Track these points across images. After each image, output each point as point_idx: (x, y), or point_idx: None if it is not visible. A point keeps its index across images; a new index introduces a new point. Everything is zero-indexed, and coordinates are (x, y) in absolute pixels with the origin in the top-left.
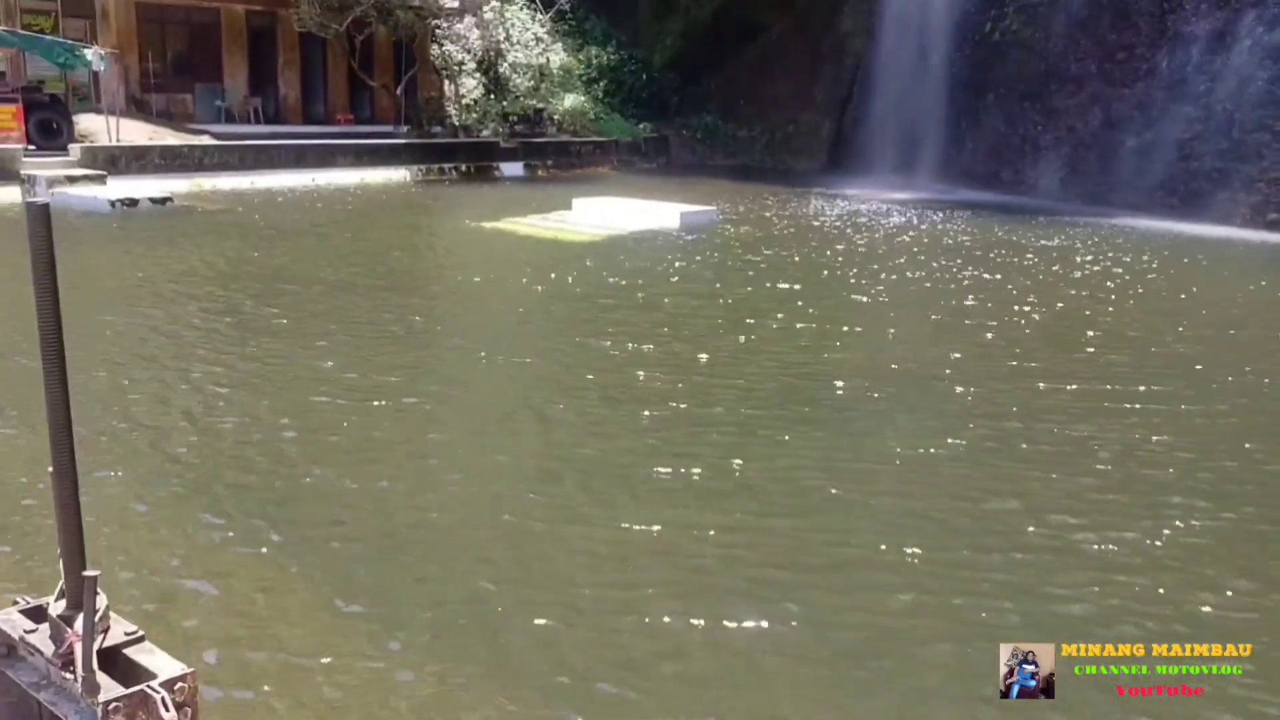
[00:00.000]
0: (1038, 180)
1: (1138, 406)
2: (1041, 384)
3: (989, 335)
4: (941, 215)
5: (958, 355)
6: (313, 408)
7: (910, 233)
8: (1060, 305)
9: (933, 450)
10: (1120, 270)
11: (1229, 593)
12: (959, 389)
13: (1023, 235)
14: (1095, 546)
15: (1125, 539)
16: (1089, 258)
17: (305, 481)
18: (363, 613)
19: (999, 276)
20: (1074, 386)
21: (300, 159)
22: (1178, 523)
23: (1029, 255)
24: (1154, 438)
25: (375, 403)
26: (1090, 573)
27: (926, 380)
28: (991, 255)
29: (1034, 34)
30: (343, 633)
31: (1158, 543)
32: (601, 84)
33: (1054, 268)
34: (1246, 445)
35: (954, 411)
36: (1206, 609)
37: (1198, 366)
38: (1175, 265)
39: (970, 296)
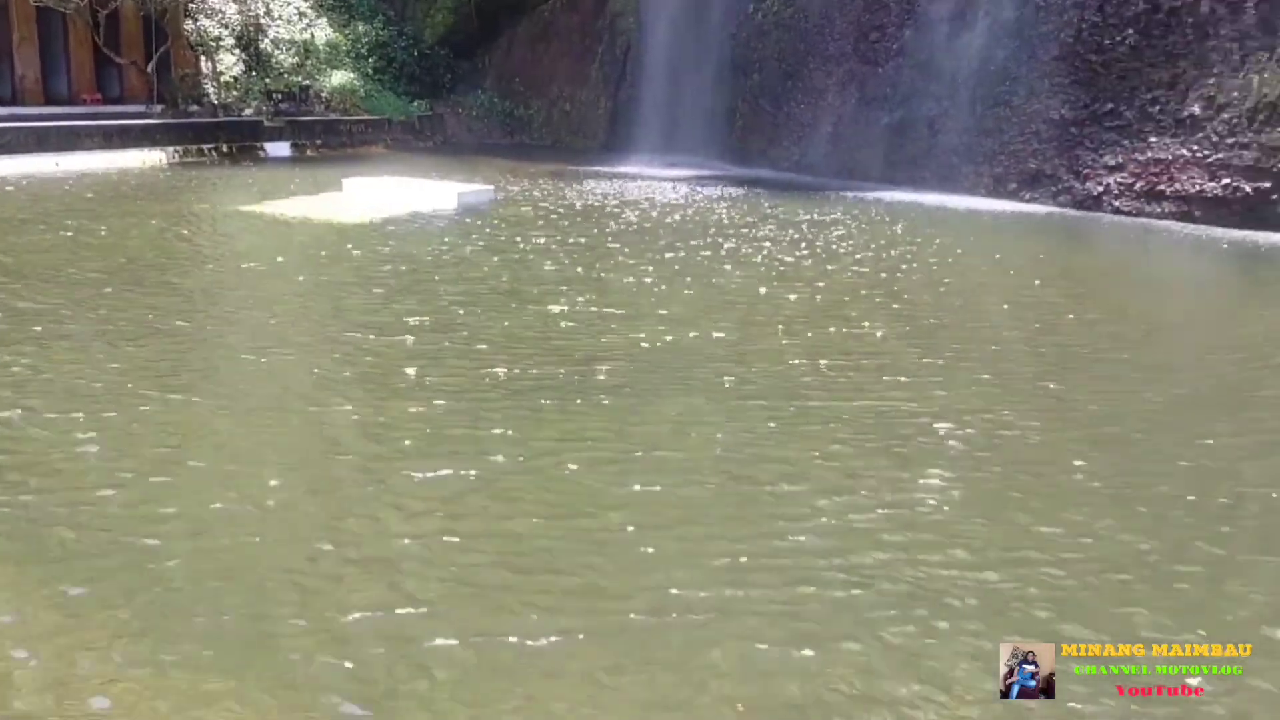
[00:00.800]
0: (803, 156)
1: (901, 379)
2: (806, 359)
3: (755, 311)
4: (714, 192)
5: (721, 334)
6: (23, 418)
7: (683, 210)
8: (825, 280)
9: (704, 429)
10: (883, 242)
11: (975, 551)
12: (727, 366)
13: (789, 210)
14: (854, 516)
15: (879, 504)
16: (850, 229)
17: (22, 499)
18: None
19: (766, 250)
20: (838, 360)
21: (42, 142)
22: (933, 483)
23: (792, 230)
24: (904, 406)
25: (118, 404)
26: (845, 539)
27: (694, 359)
28: (760, 230)
29: (793, 14)
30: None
31: (919, 508)
32: (371, 60)
33: (818, 241)
34: (997, 414)
35: (722, 390)
36: (956, 570)
37: (954, 334)
38: (928, 234)
39: (738, 272)
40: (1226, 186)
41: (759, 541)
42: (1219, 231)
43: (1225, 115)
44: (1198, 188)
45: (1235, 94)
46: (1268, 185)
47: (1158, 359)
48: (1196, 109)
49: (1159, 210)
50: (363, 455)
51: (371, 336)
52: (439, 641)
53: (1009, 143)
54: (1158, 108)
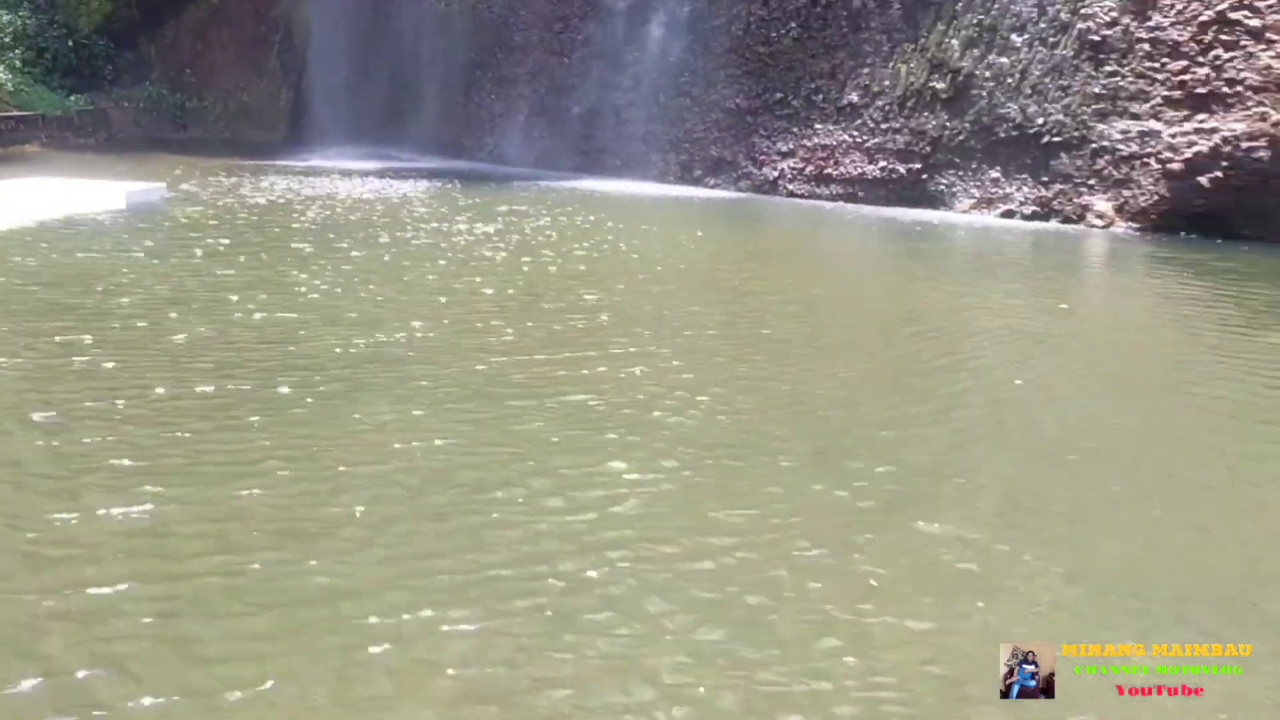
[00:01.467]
0: (496, 147)
1: (601, 369)
2: (505, 355)
3: (451, 308)
4: (405, 186)
5: (418, 334)
6: None
7: (373, 205)
8: (523, 272)
9: (403, 434)
10: (579, 231)
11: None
12: (424, 368)
13: (484, 202)
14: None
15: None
16: (546, 220)
17: None
18: None
19: (462, 244)
20: (539, 355)
21: None
22: (631, 476)
23: (487, 223)
24: (608, 397)
25: None
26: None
27: (388, 362)
28: (454, 223)
29: (478, 4)
30: None
31: (620, 505)
32: (18, 52)
33: (514, 233)
34: (700, 398)
35: (418, 392)
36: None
37: (645, 320)
38: (622, 222)
39: (433, 268)
40: (884, 169)
41: (460, 557)
42: (883, 210)
43: (880, 103)
44: (859, 170)
45: (887, 82)
46: (918, 166)
47: (842, 337)
48: (854, 97)
49: (828, 192)
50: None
51: (30, 357)
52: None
53: (692, 131)
54: (821, 96)
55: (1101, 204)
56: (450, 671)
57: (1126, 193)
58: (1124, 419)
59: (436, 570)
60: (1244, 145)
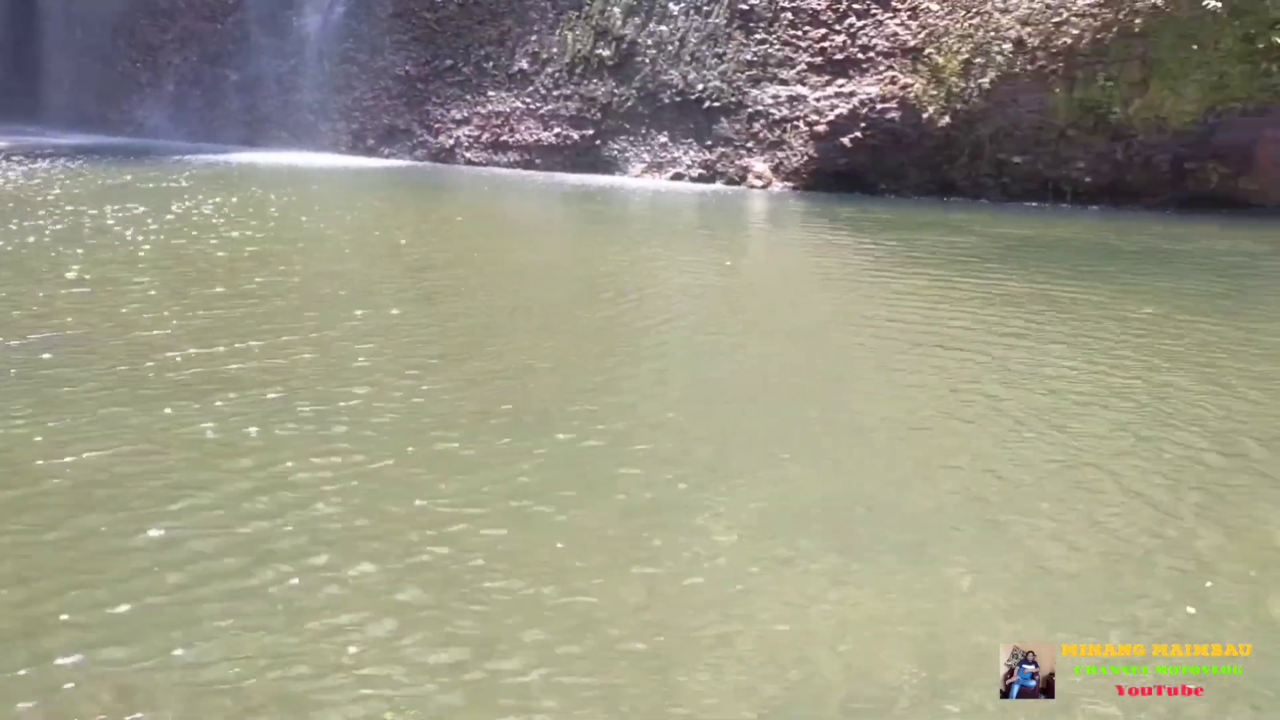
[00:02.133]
0: (147, 119)
1: (280, 361)
2: (169, 352)
3: (99, 300)
4: (42, 165)
5: (72, 329)
6: None
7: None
8: (179, 257)
9: (53, 444)
10: (239, 207)
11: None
12: (72, 373)
13: (134, 179)
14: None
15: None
16: (204, 196)
17: None
18: None
19: (113, 230)
20: (199, 350)
21: None
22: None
23: (138, 202)
24: (306, 388)
25: None
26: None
27: (26, 367)
28: (101, 205)
29: None
30: None
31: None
32: None
33: (168, 214)
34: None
35: (67, 399)
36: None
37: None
38: (290, 195)
39: (79, 258)
40: (559, 135)
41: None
42: (561, 177)
43: (549, 70)
44: (535, 137)
45: (555, 50)
46: (591, 133)
47: (538, 304)
48: (525, 64)
49: (505, 160)
50: None
51: None
52: None
53: (362, 99)
54: (491, 63)
55: (759, 165)
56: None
57: (780, 154)
58: (810, 361)
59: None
60: (878, 107)
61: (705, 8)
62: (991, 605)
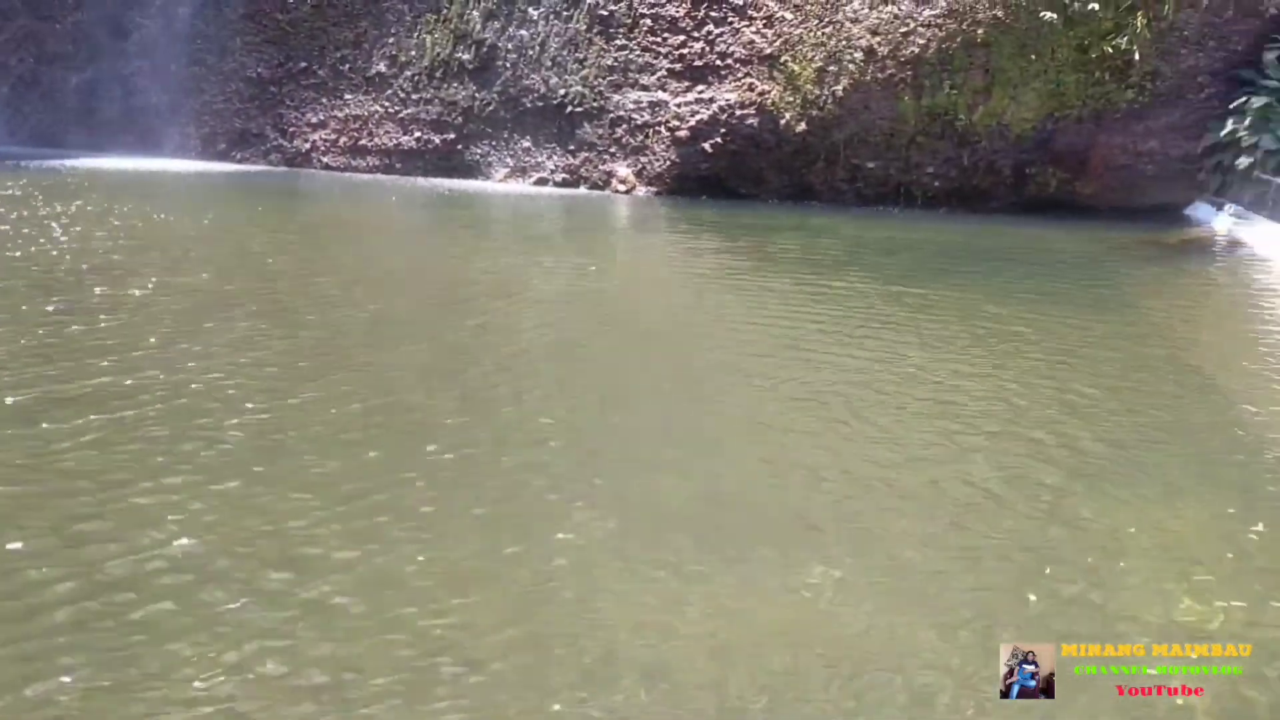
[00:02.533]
0: None
1: (157, 374)
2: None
3: None
4: None
5: None
6: None
7: None
8: (18, 265)
9: None
10: (76, 211)
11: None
12: None
13: None
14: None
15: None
16: (40, 203)
17: None
18: None
19: None
20: (59, 369)
21: None
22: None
23: None
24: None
25: None
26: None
27: None
28: None
29: None
30: None
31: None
32: None
33: (4, 223)
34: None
35: None
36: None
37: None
38: (131, 203)
39: None
40: (419, 139)
41: None
42: (422, 181)
43: (409, 73)
44: (395, 141)
45: (414, 52)
46: (452, 137)
47: (407, 315)
48: (383, 67)
49: (364, 164)
50: None
51: None
52: None
53: (212, 102)
54: (348, 66)
55: (623, 170)
56: None
57: (643, 159)
58: (675, 366)
59: None
60: (738, 113)
61: (565, 13)
62: (854, 602)
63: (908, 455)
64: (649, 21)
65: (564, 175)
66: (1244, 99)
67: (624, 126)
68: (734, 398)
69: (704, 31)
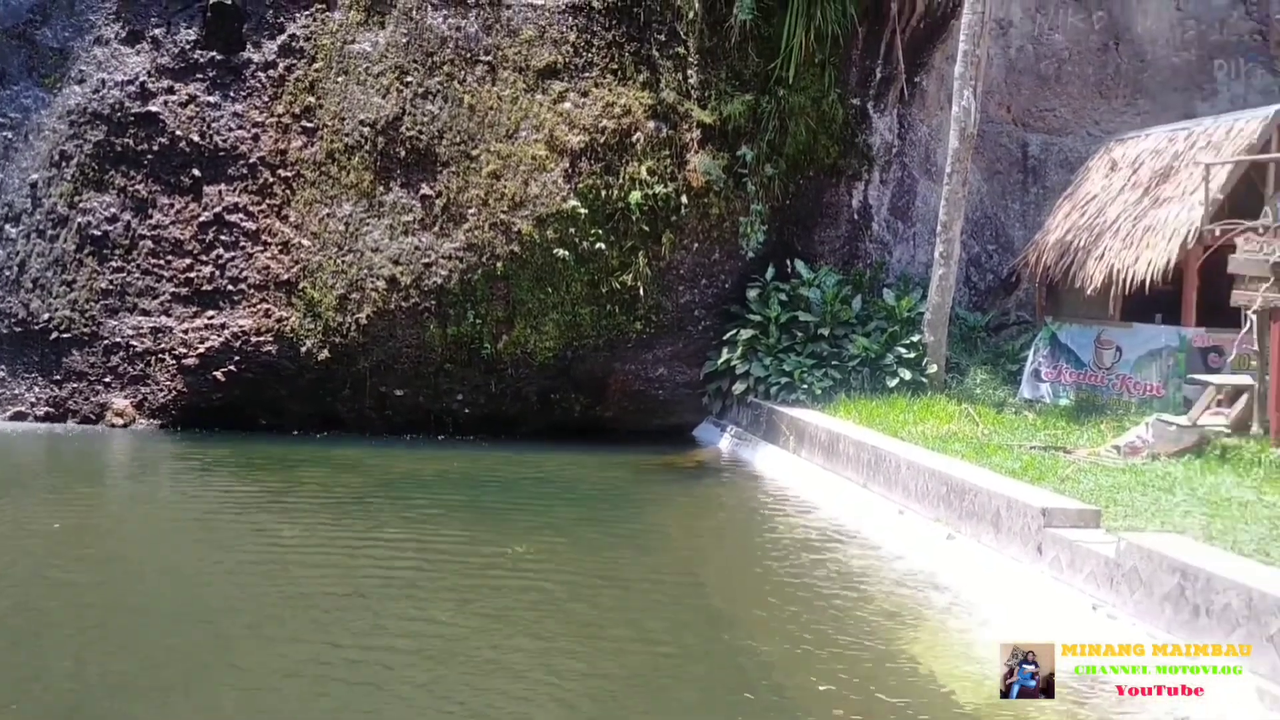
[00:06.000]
0: None
1: None
2: None
3: None
4: None
5: None
6: None
7: None
8: None
9: None
10: None
11: None
12: None
13: None
14: None
15: None
16: None
17: None
18: None
19: None
20: None
21: None
22: None
23: None
24: None
25: None
26: None
27: None
28: None
29: None
30: None
31: None
32: None
33: None
34: None
35: None
36: None
37: None
38: None
39: None
40: None
41: None
42: None
43: None
44: None
45: None
46: None
47: None
48: None
49: None
50: None
51: None
52: None
53: None
54: None
55: (120, 402)
56: None
57: (145, 389)
58: (177, 630)
59: None
60: (253, 340)
61: (51, 232)
62: None
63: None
64: (150, 243)
65: (48, 408)
66: (734, 331)
67: (121, 354)
68: (247, 648)
69: (213, 255)
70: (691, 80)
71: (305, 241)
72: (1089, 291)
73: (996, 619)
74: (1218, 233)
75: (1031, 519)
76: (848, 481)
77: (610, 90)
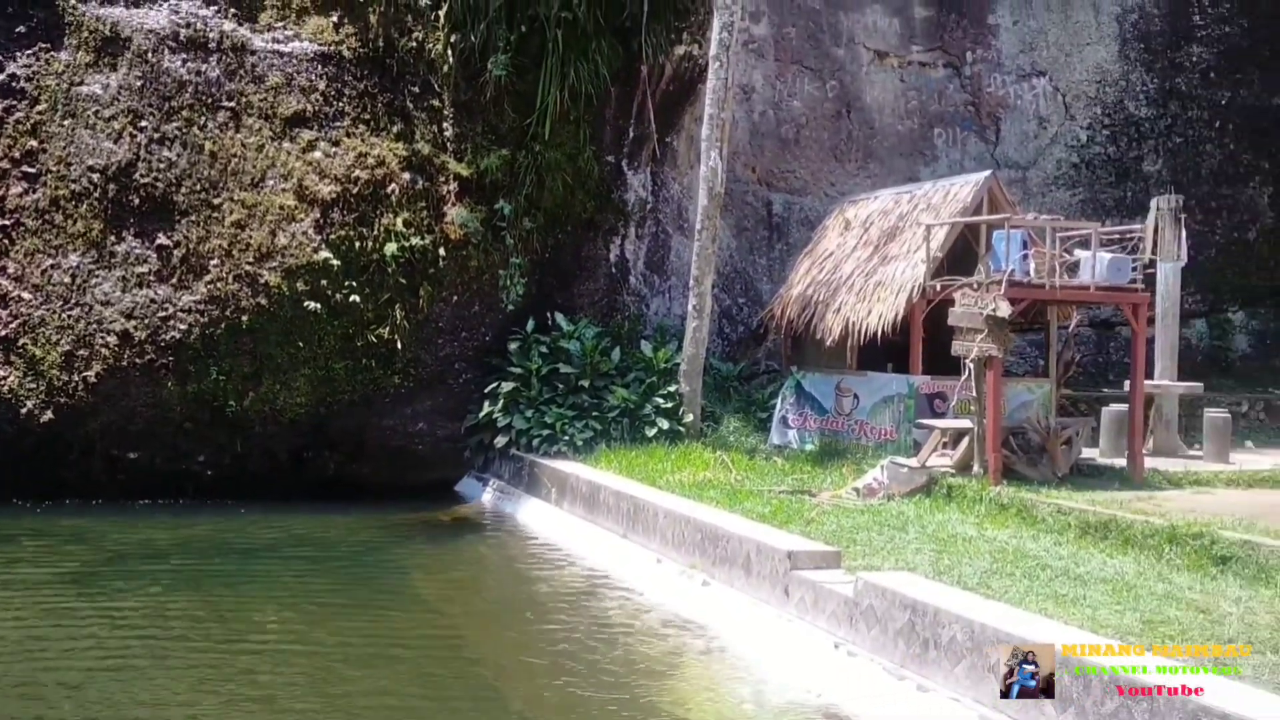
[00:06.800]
0: None
1: None
2: None
3: None
4: None
5: None
6: None
7: None
8: None
9: None
10: None
11: None
12: None
13: None
14: None
15: None
16: None
17: None
18: None
19: None
20: None
21: None
22: None
23: None
24: None
25: None
26: None
27: None
28: None
29: None
30: None
31: None
32: None
33: None
34: None
35: None
36: None
37: None
38: None
39: None
40: None
41: None
42: None
43: None
44: None
45: None
46: None
47: None
48: None
49: None
50: None
51: None
52: None
53: None
54: None
55: None
56: None
57: None
58: None
59: None
60: None
61: None
62: None
63: None
64: None
65: None
66: (496, 383)
67: None
68: None
69: None
70: (448, 133)
71: (26, 295)
72: (829, 342)
73: (749, 660)
74: (939, 288)
75: (779, 562)
76: (608, 532)
77: (363, 140)
